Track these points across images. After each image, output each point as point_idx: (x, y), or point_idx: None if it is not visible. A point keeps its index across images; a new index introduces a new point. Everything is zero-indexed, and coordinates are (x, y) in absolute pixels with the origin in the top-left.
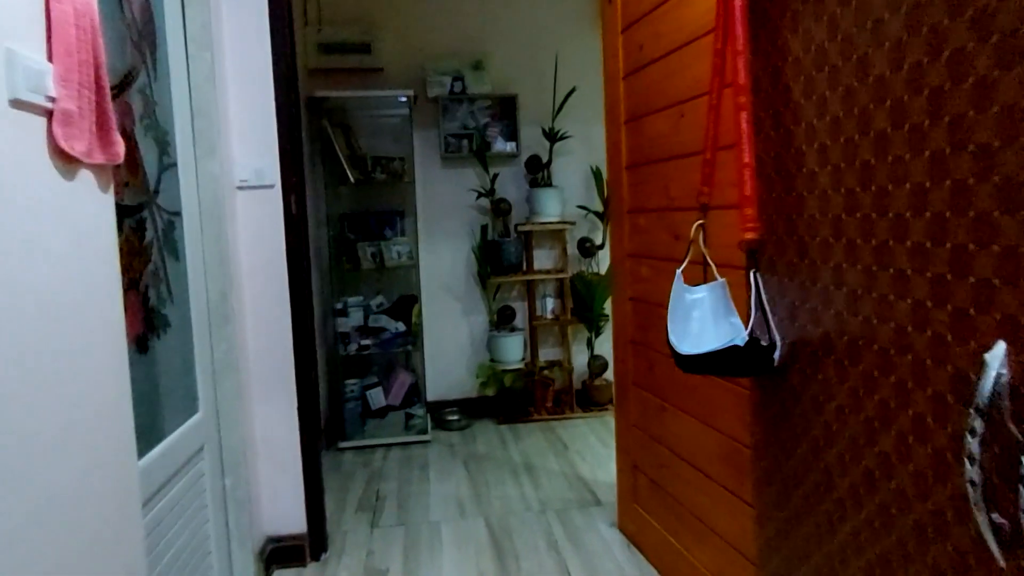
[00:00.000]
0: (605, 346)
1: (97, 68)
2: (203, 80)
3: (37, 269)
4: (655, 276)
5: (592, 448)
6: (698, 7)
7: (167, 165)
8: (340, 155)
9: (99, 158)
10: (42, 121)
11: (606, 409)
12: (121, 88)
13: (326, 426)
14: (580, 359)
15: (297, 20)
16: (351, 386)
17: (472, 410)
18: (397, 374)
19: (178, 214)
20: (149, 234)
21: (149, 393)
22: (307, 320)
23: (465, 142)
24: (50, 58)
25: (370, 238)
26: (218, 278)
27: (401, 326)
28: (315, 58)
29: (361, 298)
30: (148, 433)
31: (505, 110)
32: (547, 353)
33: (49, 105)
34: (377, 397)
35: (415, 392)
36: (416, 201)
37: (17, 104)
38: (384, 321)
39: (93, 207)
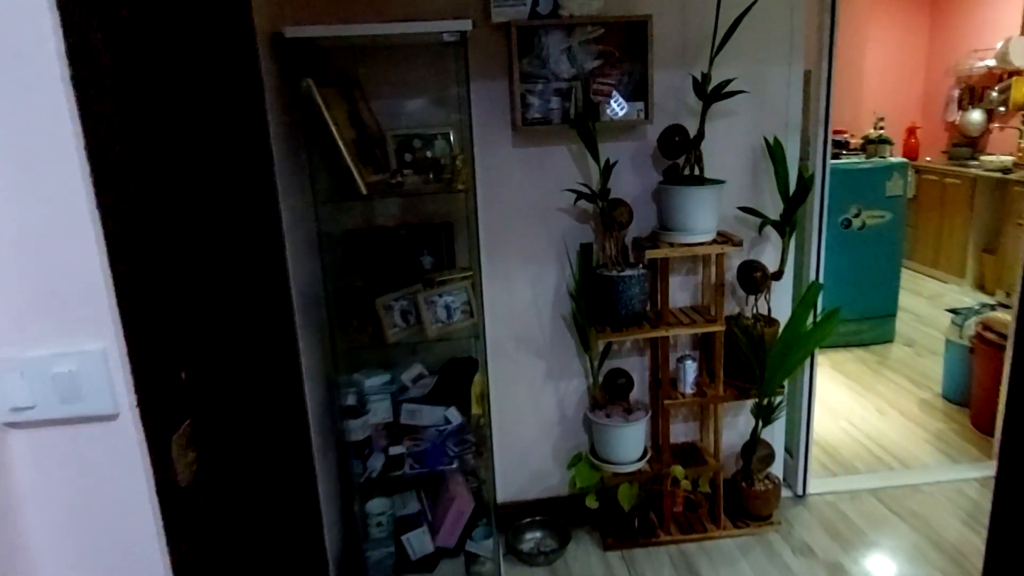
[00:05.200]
0: (771, 433)
1: None
2: None
3: None
4: None
5: None
6: None
7: None
8: (340, 146)
9: None
10: None
11: (767, 524)
12: None
13: None
14: (728, 437)
15: None
16: (377, 517)
17: (561, 517)
18: (450, 493)
19: None
20: None
21: None
22: None
23: (556, 103)
24: None
25: (398, 276)
26: None
27: (454, 414)
28: None
29: (387, 377)
30: None
31: (627, 45)
32: (676, 430)
33: None
34: (420, 542)
35: (480, 513)
36: (473, 203)
37: None
38: (425, 414)
39: None
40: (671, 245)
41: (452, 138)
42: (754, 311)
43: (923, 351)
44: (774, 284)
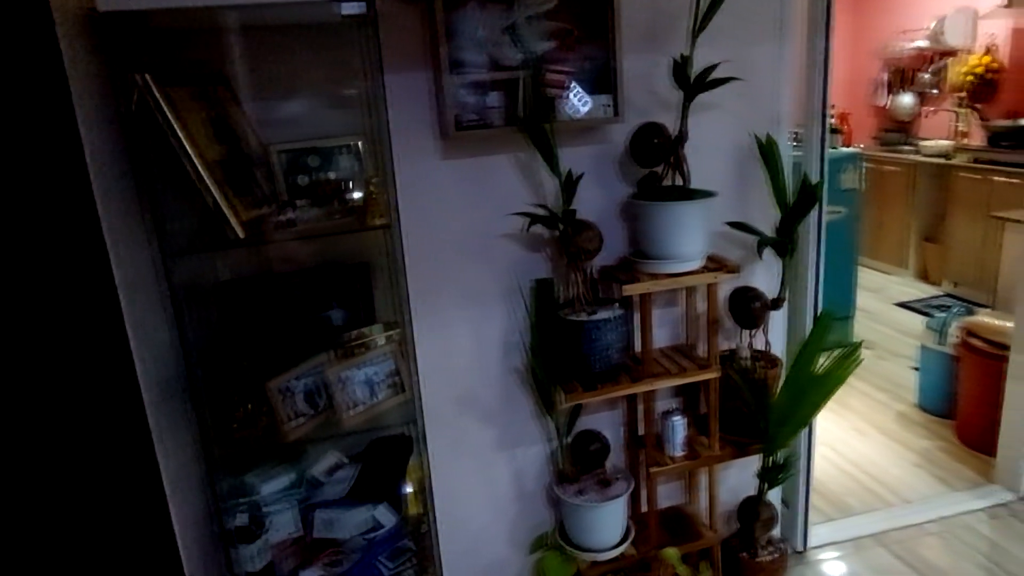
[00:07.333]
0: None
1: None
2: None
3: None
4: None
5: None
6: None
7: None
8: (200, 170)
9: None
10: None
11: None
12: None
13: None
14: (719, 493)
15: None
16: None
17: None
18: None
19: None
20: None
21: None
22: None
23: (497, 99)
24: None
25: (298, 341)
26: None
27: (385, 515)
28: None
29: (291, 477)
30: None
31: (588, 24)
32: (658, 493)
33: None
34: None
35: None
36: (399, 239)
37: None
38: (346, 520)
39: None
40: (653, 276)
41: (362, 151)
42: (751, 347)
43: (884, 353)
44: (775, 313)
